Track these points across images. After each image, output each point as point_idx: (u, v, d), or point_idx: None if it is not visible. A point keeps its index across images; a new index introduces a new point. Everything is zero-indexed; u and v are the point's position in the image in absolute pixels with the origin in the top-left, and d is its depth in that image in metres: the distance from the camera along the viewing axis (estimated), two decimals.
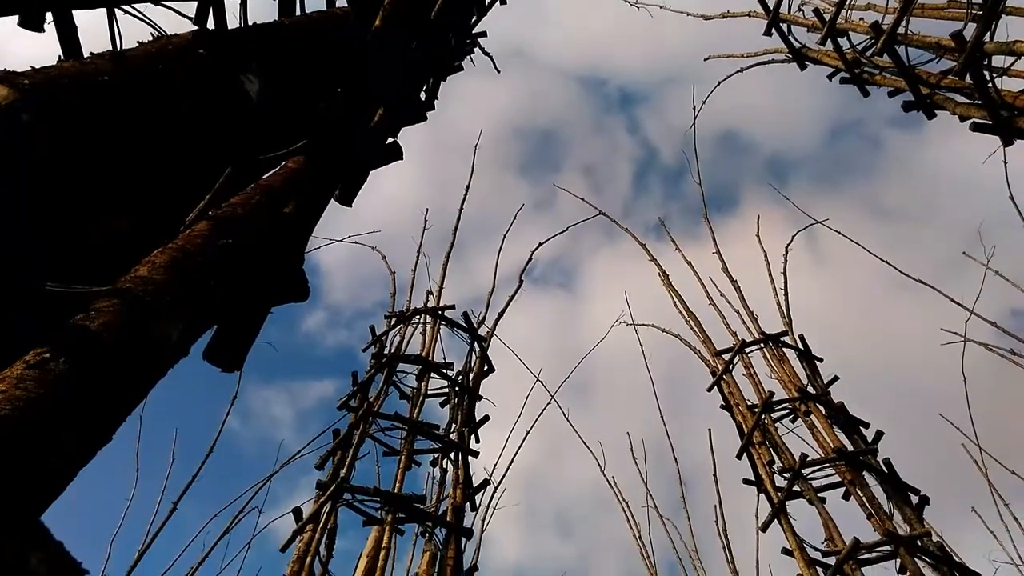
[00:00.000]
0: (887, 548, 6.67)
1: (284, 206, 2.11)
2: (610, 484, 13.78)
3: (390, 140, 3.24)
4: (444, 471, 8.23)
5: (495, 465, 12.11)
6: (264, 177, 2.42)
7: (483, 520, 11.35)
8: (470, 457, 8.33)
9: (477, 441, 8.87)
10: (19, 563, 0.93)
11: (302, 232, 2.19)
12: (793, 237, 10.90)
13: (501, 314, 10.50)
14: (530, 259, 12.23)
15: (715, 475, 12.20)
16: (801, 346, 9.04)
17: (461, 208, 11.90)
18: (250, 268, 1.96)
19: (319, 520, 6.55)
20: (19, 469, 1.13)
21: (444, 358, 9.29)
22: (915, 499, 7.12)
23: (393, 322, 9.57)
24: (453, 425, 8.67)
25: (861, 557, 6.75)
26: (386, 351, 9.03)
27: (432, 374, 9.02)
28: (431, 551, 6.75)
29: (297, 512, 6.88)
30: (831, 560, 6.87)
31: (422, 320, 9.66)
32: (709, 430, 12.50)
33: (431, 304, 9.92)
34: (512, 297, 10.99)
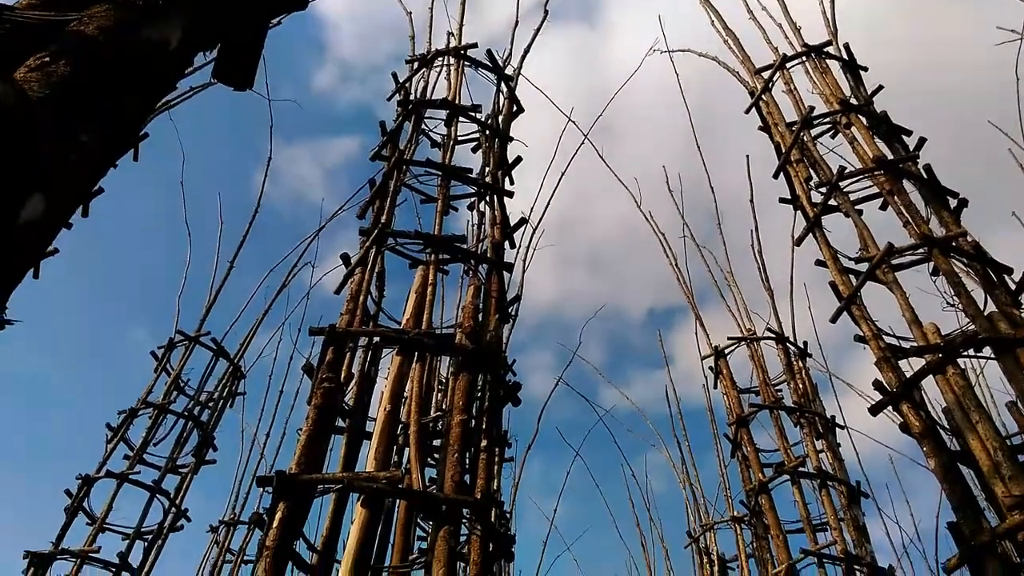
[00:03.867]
0: (921, 252, 6.77)
1: None
2: (647, 218, 14.06)
3: None
4: (481, 214, 8.39)
5: (531, 208, 12.33)
6: None
7: (524, 260, 11.80)
8: (505, 198, 8.43)
9: (511, 183, 8.93)
10: None
11: None
12: None
13: (527, 50, 10.06)
14: None
15: (751, 200, 12.32)
16: (845, 55, 8.56)
17: None
18: None
19: (367, 263, 6.84)
20: (36, 161, 1.14)
21: (471, 101, 9.08)
22: (953, 203, 7.08)
23: (415, 66, 9.26)
24: (487, 168, 8.67)
25: (895, 262, 6.88)
26: (411, 98, 8.84)
27: (460, 118, 8.86)
28: (475, 284, 7.07)
29: (345, 257, 7.19)
30: (864, 267, 7.04)
31: (445, 63, 9.31)
32: (747, 156, 12.41)
33: (452, 45, 9.49)
34: (537, 30, 10.46)
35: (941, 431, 5.82)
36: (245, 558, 14.81)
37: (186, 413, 11.38)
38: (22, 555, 9.38)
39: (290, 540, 4.63)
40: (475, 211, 8.54)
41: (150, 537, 10.37)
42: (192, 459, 11.24)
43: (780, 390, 11.15)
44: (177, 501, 10.83)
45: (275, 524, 4.55)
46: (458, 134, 8.95)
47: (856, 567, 9.22)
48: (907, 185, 7.31)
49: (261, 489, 14.83)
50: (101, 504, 10.06)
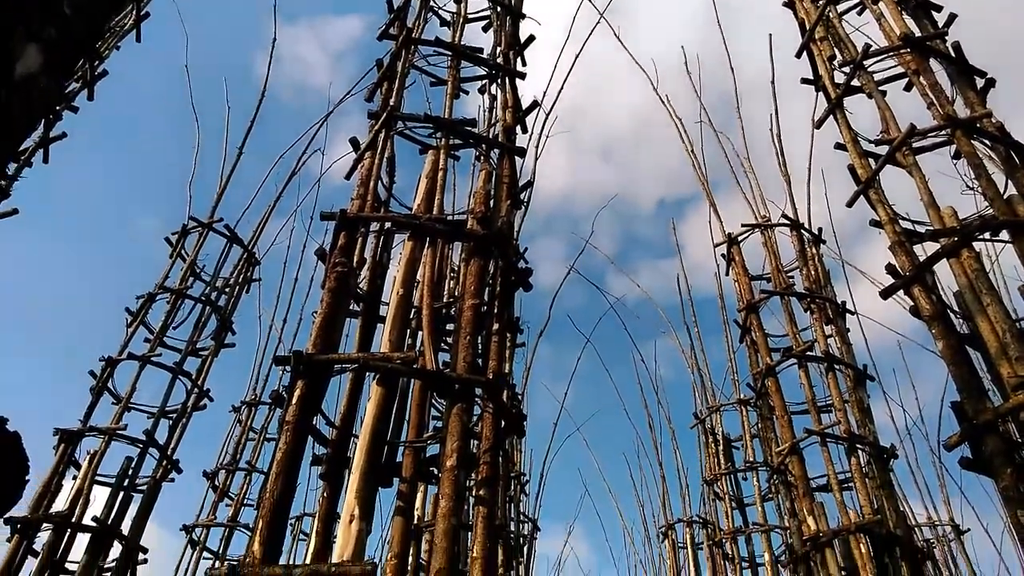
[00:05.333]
0: (944, 134, 6.59)
1: None
2: (663, 101, 13.73)
3: None
4: (493, 97, 8.21)
5: (544, 92, 12.03)
6: None
7: (536, 146, 11.63)
8: (517, 80, 8.21)
9: (523, 64, 8.68)
10: None
11: None
12: None
13: None
14: None
15: (772, 81, 11.96)
16: None
17: None
18: None
19: (376, 147, 6.74)
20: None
21: None
22: (980, 83, 6.83)
23: None
24: (498, 49, 8.41)
25: (916, 145, 6.72)
26: None
27: None
28: (487, 170, 6.98)
29: (354, 142, 7.08)
30: (884, 150, 6.88)
31: None
32: (770, 35, 11.95)
33: None
34: None
35: (951, 314, 5.85)
36: (267, 436, 15.47)
37: (203, 298, 11.57)
38: (52, 432, 9.80)
39: (309, 416, 4.79)
40: (486, 94, 8.35)
41: (174, 416, 10.76)
42: (212, 342, 11.51)
43: (792, 276, 11.16)
44: (199, 382, 11.17)
45: (294, 401, 4.70)
46: (468, 11, 8.64)
47: (858, 446, 9.49)
48: (934, 65, 7.04)
49: (280, 372, 15.30)
50: (125, 385, 10.41)
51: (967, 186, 6.16)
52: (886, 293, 6.11)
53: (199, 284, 11.74)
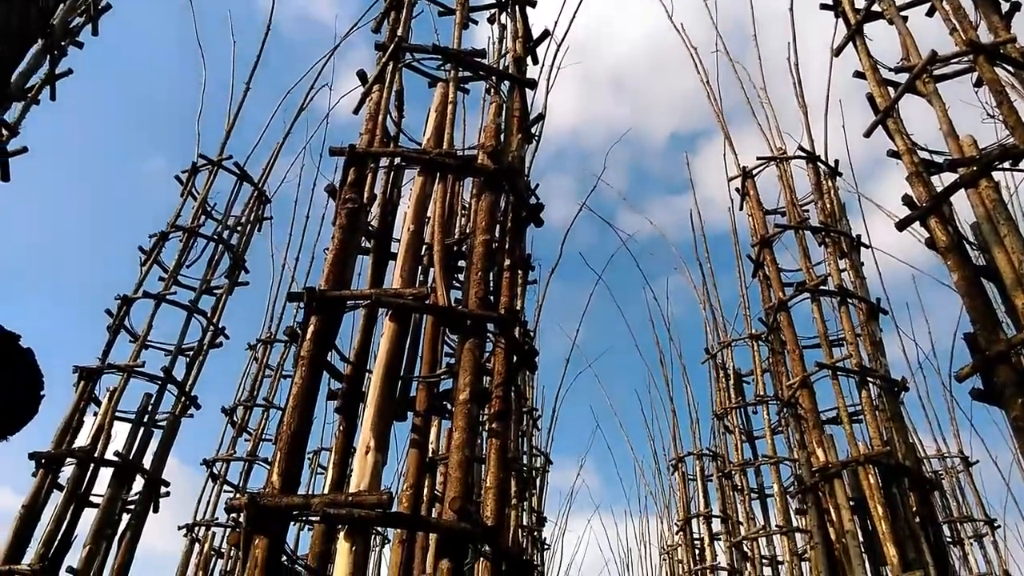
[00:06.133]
0: (967, 61, 6.41)
1: None
2: (678, 30, 13.42)
3: None
4: (503, 27, 8.04)
5: (555, 22, 11.76)
6: None
7: (547, 79, 11.41)
8: (528, 9, 8.02)
9: None
10: None
11: None
12: None
13: None
14: None
15: (791, 8, 11.61)
16: None
17: None
18: None
19: (384, 80, 6.63)
20: None
21: None
22: (1005, 6, 6.61)
23: None
24: None
25: (937, 72, 6.55)
26: None
27: None
28: (497, 102, 6.87)
29: (362, 75, 6.97)
30: (903, 78, 6.71)
31: None
32: None
33: None
34: None
35: (967, 246, 5.79)
36: (283, 373, 15.71)
37: (216, 237, 11.58)
38: (72, 369, 9.95)
39: (323, 351, 4.83)
40: (496, 24, 8.18)
41: (191, 353, 10.90)
42: (226, 281, 11.57)
43: (807, 210, 11.04)
44: (214, 320, 11.27)
45: (308, 337, 4.73)
46: None
47: (869, 379, 9.52)
48: None
49: (295, 309, 15.44)
50: (141, 323, 10.51)
51: (988, 115, 6.02)
52: (902, 224, 6.04)
53: (211, 223, 11.75)
